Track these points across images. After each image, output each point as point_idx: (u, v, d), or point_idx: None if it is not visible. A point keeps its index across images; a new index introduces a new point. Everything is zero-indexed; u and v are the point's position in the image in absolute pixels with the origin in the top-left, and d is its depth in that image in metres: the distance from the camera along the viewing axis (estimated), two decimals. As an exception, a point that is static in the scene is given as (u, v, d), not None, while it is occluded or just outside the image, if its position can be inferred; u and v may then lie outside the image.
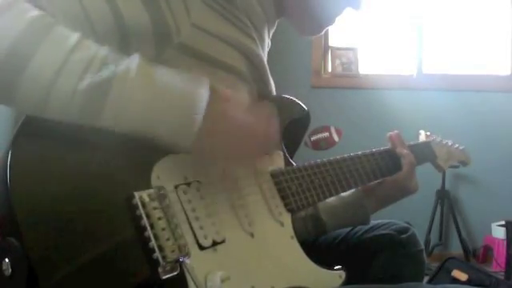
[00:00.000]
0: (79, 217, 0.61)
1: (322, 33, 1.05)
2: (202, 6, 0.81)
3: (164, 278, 0.65)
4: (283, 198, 0.88)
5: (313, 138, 2.79)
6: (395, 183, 1.07)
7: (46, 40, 0.63)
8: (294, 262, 0.85)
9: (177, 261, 0.66)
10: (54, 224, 0.59)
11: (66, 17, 0.69)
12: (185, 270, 0.67)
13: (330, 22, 1.02)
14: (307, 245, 0.89)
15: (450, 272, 2.27)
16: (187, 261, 0.67)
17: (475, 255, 3.20)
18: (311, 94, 3.30)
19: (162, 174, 0.71)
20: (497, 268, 2.95)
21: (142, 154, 0.70)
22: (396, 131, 1.13)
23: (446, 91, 3.31)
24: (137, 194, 0.66)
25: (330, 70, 3.54)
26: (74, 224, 0.60)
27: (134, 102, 0.65)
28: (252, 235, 0.79)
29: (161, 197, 0.69)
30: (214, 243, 0.73)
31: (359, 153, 1.05)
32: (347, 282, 0.90)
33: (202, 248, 0.71)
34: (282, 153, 0.93)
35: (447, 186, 3.19)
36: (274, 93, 0.99)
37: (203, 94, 0.69)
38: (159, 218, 0.67)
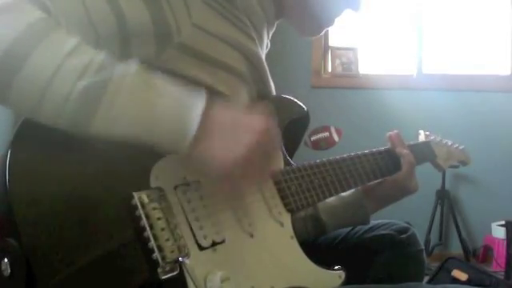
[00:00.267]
0: (78, 218, 0.61)
1: (322, 34, 1.05)
2: (203, 6, 0.81)
3: (163, 278, 0.65)
4: (283, 198, 0.88)
5: (313, 138, 2.79)
6: (395, 183, 1.07)
7: (44, 42, 0.63)
8: (294, 262, 0.85)
9: (176, 261, 0.66)
10: (52, 225, 0.59)
11: (68, 17, 0.69)
12: (184, 270, 0.67)
13: (330, 22, 1.03)
14: (307, 245, 0.88)
15: (449, 272, 2.27)
16: (187, 261, 0.67)
17: (475, 255, 3.20)
18: (311, 94, 3.30)
19: (162, 175, 0.71)
20: (497, 268, 2.95)
21: (140, 154, 0.69)
22: (395, 131, 1.13)
23: (446, 91, 3.31)
24: (136, 195, 0.66)
25: (330, 69, 3.54)
26: (72, 225, 0.60)
27: (127, 107, 0.64)
28: (252, 235, 0.79)
29: (160, 197, 0.69)
30: (214, 243, 0.73)
31: (359, 153, 1.05)
32: (347, 282, 0.90)
33: (201, 248, 0.71)
34: (281, 153, 0.93)
35: (447, 186, 3.19)
36: (274, 93, 0.99)
37: (199, 102, 0.68)
38: (158, 219, 0.67)
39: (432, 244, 3.10)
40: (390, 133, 1.12)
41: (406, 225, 1.13)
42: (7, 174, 0.59)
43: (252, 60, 0.89)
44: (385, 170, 1.08)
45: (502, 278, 2.60)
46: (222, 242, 0.74)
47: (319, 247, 1.10)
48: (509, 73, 3.41)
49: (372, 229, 1.12)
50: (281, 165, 0.92)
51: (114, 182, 0.66)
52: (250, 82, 0.91)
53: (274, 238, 0.84)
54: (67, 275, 0.59)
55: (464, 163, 1.44)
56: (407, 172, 1.07)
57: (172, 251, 0.66)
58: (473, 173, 3.21)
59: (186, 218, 0.71)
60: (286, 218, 0.87)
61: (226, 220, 0.77)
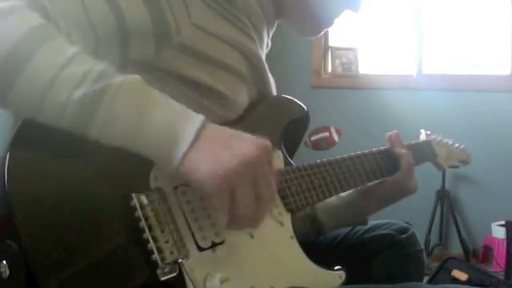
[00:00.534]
0: (77, 219, 0.61)
1: (321, 34, 1.05)
2: (202, 5, 0.81)
3: (163, 279, 0.65)
4: (283, 198, 0.87)
5: (313, 138, 2.78)
6: (394, 183, 1.07)
7: (45, 46, 0.62)
8: (294, 262, 0.84)
9: (175, 262, 0.66)
10: (52, 226, 0.59)
11: (68, 17, 0.69)
12: (183, 271, 0.67)
13: (329, 23, 1.02)
14: (307, 245, 0.88)
15: (450, 272, 2.27)
16: (186, 262, 0.67)
17: (475, 255, 3.20)
18: (311, 94, 3.30)
19: (161, 175, 0.71)
20: (497, 268, 2.95)
21: (140, 155, 0.69)
22: (395, 131, 1.12)
23: (446, 91, 3.31)
24: (135, 196, 0.66)
25: (330, 70, 3.54)
26: (72, 226, 0.60)
27: (121, 118, 0.62)
28: (251, 236, 0.79)
29: (159, 198, 0.68)
30: (213, 244, 0.73)
31: (359, 153, 1.05)
32: (347, 282, 0.89)
33: (201, 249, 0.71)
34: (281, 153, 0.93)
35: (447, 186, 3.19)
36: (274, 93, 0.99)
37: (196, 119, 0.65)
38: (158, 220, 0.66)
39: (432, 244, 3.10)
40: (389, 133, 1.12)
41: (405, 225, 1.13)
42: (6, 176, 0.59)
43: (252, 60, 0.89)
44: (384, 171, 1.08)
45: (502, 278, 2.60)
46: (222, 242, 0.74)
47: (319, 247, 1.10)
48: (509, 73, 3.41)
49: (372, 229, 1.12)
50: (281, 165, 0.91)
51: (113, 183, 0.66)
52: (250, 82, 0.91)
53: (273, 238, 0.83)
54: (66, 277, 0.58)
55: (465, 162, 1.44)
56: (406, 172, 1.07)
57: (171, 252, 0.66)
58: (473, 173, 3.21)
59: (186, 219, 0.71)
60: (286, 218, 0.87)
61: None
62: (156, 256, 0.65)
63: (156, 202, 0.68)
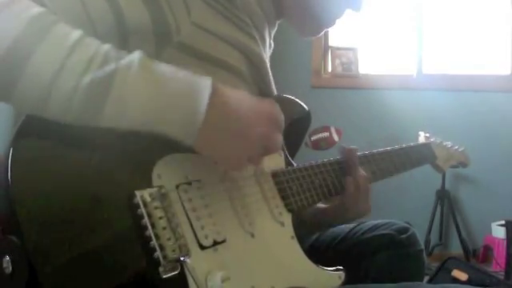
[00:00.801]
0: (79, 216, 0.61)
1: (321, 34, 1.05)
2: (203, 4, 0.81)
3: (164, 277, 0.65)
4: (284, 198, 0.88)
5: (313, 138, 2.78)
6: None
7: (47, 38, 0.62)
8: (294, 263, 0.85)
9: (177, 260, 0.66)
10: (54, 223, 0.59)
11: (67, 14, 0.69)
12: (185, 269, 0.67)
13: (330, 23, 1.02)
14: (307, 245, 0.89)
15: (449, 272, 2.28)
16: (188, 260, 0.67)
17: (475, 255, 3.20)
18: (311, 94, 3.30)
19: (163, 173, 0.71)
20: (497, 268, 2.95)
21: (142, 152, 0.69)
22: (353, 147, 1.01)
23: (446, 91, 3.31)
24: (138, 193, 0.66)
25: (330, 70, 3.54)
26: (74, 223, 0.60)
27: (135, 97, 0.64)
28: (252, 235, 0.79)
29: (162, 196, 0.68)
30: (215, 243, 0.73)
31: (359, 153, 1.05)
32: (347, 282, 0.90)
33: (202, 247, 0.71)
34: (282, 153, 0.93)
35: (447, 186, 3.19)
36: (275, 93, 0.99)
37: (205, 89, 0.68)
38: (160, 218, 0.67)
39: (432, 244, 3.10)
40: (346, 148, 1.01)
41: (405, 225, 1.13)
42: (9, 172, 0.59)
43: (252, 59, 0.89)
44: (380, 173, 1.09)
45: (502, 278, 2.60)
46: (223, 241, 0.74)
47: (319, 247, 1.10)
48: (509, 73, 3.41)
49: (372, 229, 1.12)
50: (282, 165, 0.92)
51: (115, 180, 0.66)
52: (251, 82, 0.91)
53: (274, 238, 0.84)
54: (69, 273, 0.59)
55: (464, 165, 1.44)
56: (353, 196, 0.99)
57: (173, 250, 0.66)
58: (473, 173, 3.21)
59: (188, 217, 0.71)
60: (287, 218, 0.87)
61: (227, 219, 0.77)
62: (158, 253, 0.65)
63: (158, 199, 0.68)
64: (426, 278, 2.29)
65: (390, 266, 1.06)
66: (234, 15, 0.86)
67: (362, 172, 0.99)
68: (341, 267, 0.91)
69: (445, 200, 3.19)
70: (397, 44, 3.56)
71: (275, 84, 0.99)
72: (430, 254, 3.06)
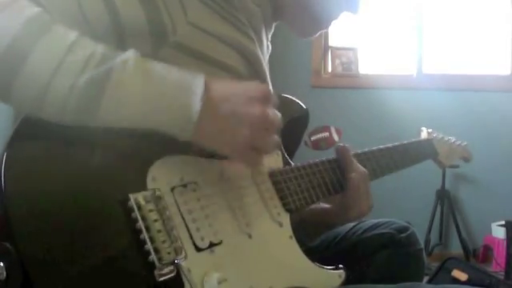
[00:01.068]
0: (74, 221, 0.61)
1: (317, 35, 1.05)
2: (199, 4, 0.81)
3: (160, 280, 0.64)
4: (282, 198, 0.87)
5: (313, 138, 2.78)
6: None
7: (43, 38, 0.62)
8: (293, 262, 0.84)
9: (173, 263, 0.66)
10: (48, 228, 0.59)
11: (64, 16, 0.69)
12: (181, 272, 0.66)
13: (327, 24, 1.02)
14: (306, 244, 0.88)
15: (450, 272, 2.27)
16: (183, 263, 0.67)
17: (475, 255, 3.20)
18: (311, 94, 3.30)
19: (158, 176, 0.70)
20: (497, 268, 2.95)
21: (137, 155, 0.69)
22: (344, 145, 1.00)
23: (446, 91, 3.31)
24: (132, 197, 0.66)
25: (330, 69, 3.54)
26: (68, 228, 0.60)
27: (131, 94, 0.64)
28: (250, 236, 0.79)
29: (156, 199, 0.68)
30: (211, 244, 0.72)
31: (359, 151, 1.05)
32: (347, 281, 0.89)
33: (198, 249, 0.70)
34: (280, 152, 0.92)
35: (447, 186, 3.19)
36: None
37: (198, 85, 0.68)
38: (155, 220, 0.66)
39: (432, 244, 3.10)
40: (339, 146, 1.00)
41: (405, 224, 1.12)
42: (2, 177, 0.58)
43: (250, 59, 0.89)
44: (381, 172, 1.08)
45: (502, 278, 2.60)
46: (220, 243, 0.73)
47: (319, 247, 1.10)
48: (509, 73, 3.41)
49: (372, 228, 1.11)
50: (280, 164, 0.91)
51: (110, 183, 0.66)
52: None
53: (272, 238, 0.83)
54: (63, 279, 0.58)
55: (466, 159, 1.44)
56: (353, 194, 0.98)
57: (169, 253, 0.66)
58: (473, 173, 3.21)
59: (183, 220, 0.71)
60: (285, 218, 0.86)
61: (223, 221, 0.76)
62: (153, 257, 0.64)
63: (153, 202, 0.67)
64: (426, 278, 2.29)
65: (389, 265, 1.06)
66: (231, 15, 0.86)
67: (361, 168, 0.99)
68: (341, 266, 0.90)
69: (445, 200, 3.19)
70: (397, 44, 3.56)
71: (275, 84, 0.98)
72: (429, 254, 3.06)
